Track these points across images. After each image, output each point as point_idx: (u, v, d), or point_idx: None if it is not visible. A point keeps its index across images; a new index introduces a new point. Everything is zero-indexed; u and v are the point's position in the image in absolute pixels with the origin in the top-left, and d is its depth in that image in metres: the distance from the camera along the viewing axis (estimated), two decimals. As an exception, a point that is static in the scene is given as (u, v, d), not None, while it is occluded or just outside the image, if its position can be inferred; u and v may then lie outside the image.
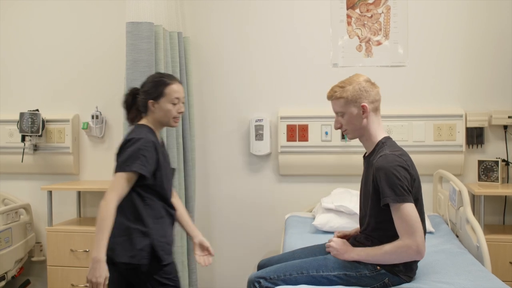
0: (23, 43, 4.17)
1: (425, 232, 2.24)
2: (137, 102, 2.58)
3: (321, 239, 2.94)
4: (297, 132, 3.75)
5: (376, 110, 2.38)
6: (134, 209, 2.41)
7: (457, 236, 3.17)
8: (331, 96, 2.43)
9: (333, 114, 3.61)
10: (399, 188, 2.13)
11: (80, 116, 4.12)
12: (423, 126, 3.66)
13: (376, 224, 2.29)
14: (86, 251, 3.62)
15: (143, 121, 2.57)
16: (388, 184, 2.15)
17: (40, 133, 3.99)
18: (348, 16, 3.75)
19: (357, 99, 2.33)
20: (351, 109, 2.35)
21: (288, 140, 3.76)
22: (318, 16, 3.80)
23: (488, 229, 3.46)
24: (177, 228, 3.48)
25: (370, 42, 3.74)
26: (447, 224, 3.32)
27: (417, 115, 3.68)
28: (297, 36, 3.84)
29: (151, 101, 2.51)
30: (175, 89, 2.53)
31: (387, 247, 2.17)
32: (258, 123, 3.79)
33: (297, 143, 3.75)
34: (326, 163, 3.75)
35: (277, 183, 3.85)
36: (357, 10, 3.74)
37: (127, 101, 2.62)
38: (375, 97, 2.36)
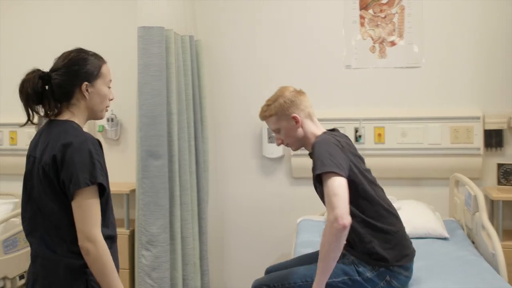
0: (38, 48, 4.21)
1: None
2: (52, 88, 1.94)
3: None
4: (310, 135, 3.71)
5: (310, 116, 2.43)
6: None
7: (473, 242, 3.10)
8: (263, 117, 2.48)
9: (346, 116, 3.64)
10: (329, 160, 2.12)
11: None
12: (439, 128, 3.59)
13: None
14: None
15: (65, 116, 1.96)
16: (320, 158, 2.15)
17: (55, 136, 4.02)
18: (361, 17, 3.70)
19: (286, 112, 2.38)
20: (284, 123, 2.40)
21: (299, 142, 3.72)
22: (330, 17, 3.76)
23: (507, 235, 3.38)
24: (190, 230, 3.51)
25: (384, 43, 3.68)
26: (463, 230, 3.26)
27: (432, 117, 3.61)
28: (309, 38, 3.80)
29: (86, 83, 1.96)
30: (108, 69, 2.09)
31: (324, 231, 2.08)
32: (271, 126, 3.76)
33: (309, 146, 3.71)
34: (339, 166, 3.70)
35: (289, 186, 3.82)
36: (370, 11, 3.68)
37: (35, 88, 1.91)
38: (304, 104, 2.42)
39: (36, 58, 4.25)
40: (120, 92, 3.99)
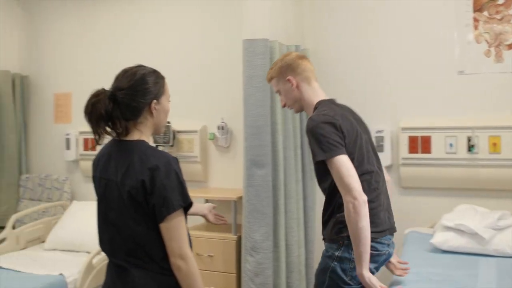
0: (144, 58, 4.47)
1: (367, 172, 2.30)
2: (120, 108, 1.94)
3: (438, 259, 2.84)
4: (420, 144, 3.59)
5: (307, 79, 2.49)
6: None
7: None
8: (267, 80, 2.60)
9: (458, 125, 3.48)
10: (326, 144, 2.21)
11: (208, 127, 4.33)
12: None
13: (325, 192, 2.39)
14: (210, 255, 3.79)
15: (134, 135, 1.99)
16: (316, 143, 2.24)
17: (171, 143, 4.26)
18: (475, 19, 3.50)
19: (283, 75, 2.49)
20: (281, 85, 2.51)
21: (410, 152, 3.60)
22: (441, 20, 3.59)
23: None
24: (296, 237, 3.54)
25: (500, 47, 3.46)
26: None
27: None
28: (419, 43, 3.66)
29: (154, 101, 2.00)
30: (167, 84, 2.11)
31: (346, 219, 2.18)
32: (378, 134, 3.69)
33: (419, 155, 3.58)
34: (450, 177, 3.54)
35: (398, 196, 3.71)
36: (485, 13, 3.48)
37: (107, 109, 1.91)
38: (302, 68, 2.48)
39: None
40: (229, 101, 4.18)
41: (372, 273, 2.26)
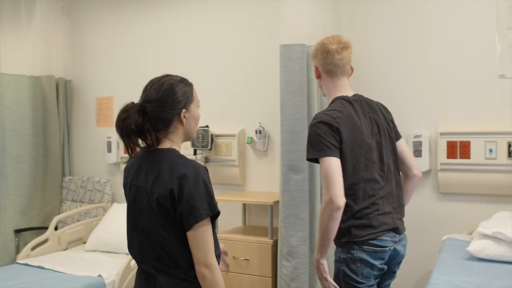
0: (179, 64, 4.59)
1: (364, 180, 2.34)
2: (150, 120, 1.97)
3: (475, 267, 2.78)
4: (458, 149, 3.54)
5: (330, 73, 2.49)
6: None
7: None
8: None
9: (499, 130, 3.41)
10: (319, 144, 2.27)
11: (246, 131, 4.37)
12: None
13: None
14: (246, 259, 3.82)
15: (165, 144, 2.03)
16: (309, 140, 2.33)
17: (209, 147, 4.31)
18: (517, 23, 3.44)
19: (312, 59, 2.57)
20: (313, 67, 2.60)
21: (448, 157, 3.56)
22: (482, 23, 3.53)
23: None
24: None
25: (543, 50, 3.39)
26: None
27: None
28: (457, 45, 3.61)
29: (183, 110, 2.01)
30: (196, 91, 2.11)
31: (319, 212, 2.31)
32: (416, 139, 3.65)
33: (458, 160, 3.54)
34: (490, 183, 3.48)
35: (436, 202, 3.67)
36: (527, 16, 3.41)
37: (137, 123, 1.94)
38: (330, 59, 2.46)
39: (178, 72, 4.67)
40: (267, 105, 4.20)
41: (382, 270, 2.38)
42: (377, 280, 2.42)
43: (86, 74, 5.31)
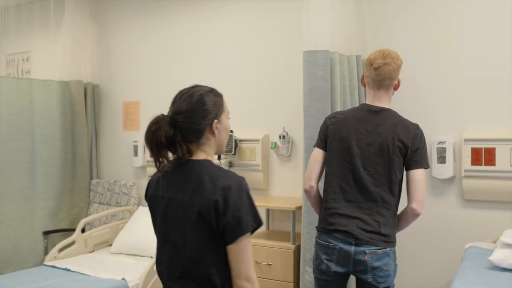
0: (216, 72, 4.63)
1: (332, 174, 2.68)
2: (181, 131, 1.91)
3: (496, 277, 2.75)
4: (483, 156, 3.51)
5: (369, 85, 2.75)
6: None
7: None
8: None
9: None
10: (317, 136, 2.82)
11: (269, 136, 4.40)
12: None
13: None
14: (269, 264, 3.84)
15: (200, 155, 1.97)
16: None
17: (233, 152, 4.35)
18: (543, 29, 3.39)
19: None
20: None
21: (472, 163, 3.53)
22: (505, 28, 3.49)
23: None
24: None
25: None
26: None
27: None
28: (483, 51, 3.57)
29: (215, 121, 1.97)
30: (226, 101, 2.06)
31: None
32: (440, 145, 3.63)
33: (482, 167, 3.50)
34: (515, 190, 3.44)
35: (460, 209, 3.64)
36: (554, 22, 3.36)
37: (167, 135, 1.89)
38: (368, 73, 2.73)
39: (203, 77, 4.68)
40: (291, 110, 4.23)
41: (329, 267, 2.61)
42: (332, 280, 2.66)
43: (113, 79, 5.41)
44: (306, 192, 2.79)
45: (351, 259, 2.56)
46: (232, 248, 1.84)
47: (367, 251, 2.55)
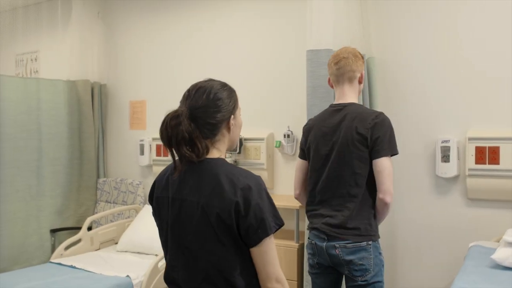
0: (221, 71, 4.65)
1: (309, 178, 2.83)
2: (199, 127, 1.80)
3: (499, 276, 2.73)
4: (487, 154, 3.50)
5: (334, 84, 2.82)
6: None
7: None
8: None
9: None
10: None
11: (274, 135, 4.41)
12: None
13: None
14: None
15: (214, 153, 1.86)
16: None
17: (238, 151, 4.37)
18: (548, 28, 3.38)
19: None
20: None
21: (476, 162, 3.52)
22: (508, 25, 3.49)
23: None
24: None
25: None
26: None
27: None
28: (485, 50, 3.56)
29: (232, 116, 1.88)
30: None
31: None
32: (444, 144, 3.63)
33: (486, 166, 3.49)
34: (519, 189, 3.43)
35: (464, 207, 3.64)
36: (558, 20, 3.35)
37: (188, 130, 1.76)
38: (331, 70, 2.78)
39: (206, 77, 4.74)
40: (296, 109, 4.24)
41: (312, 260, 2.79)
42: (319, 272, 2.78)
43: (119, 78, 5.45)
44: (296, 199, 3.01)
45: (325, 253, 2.68)
46: (256, 251, 1.75)
47: (337, 245, 2.62)
